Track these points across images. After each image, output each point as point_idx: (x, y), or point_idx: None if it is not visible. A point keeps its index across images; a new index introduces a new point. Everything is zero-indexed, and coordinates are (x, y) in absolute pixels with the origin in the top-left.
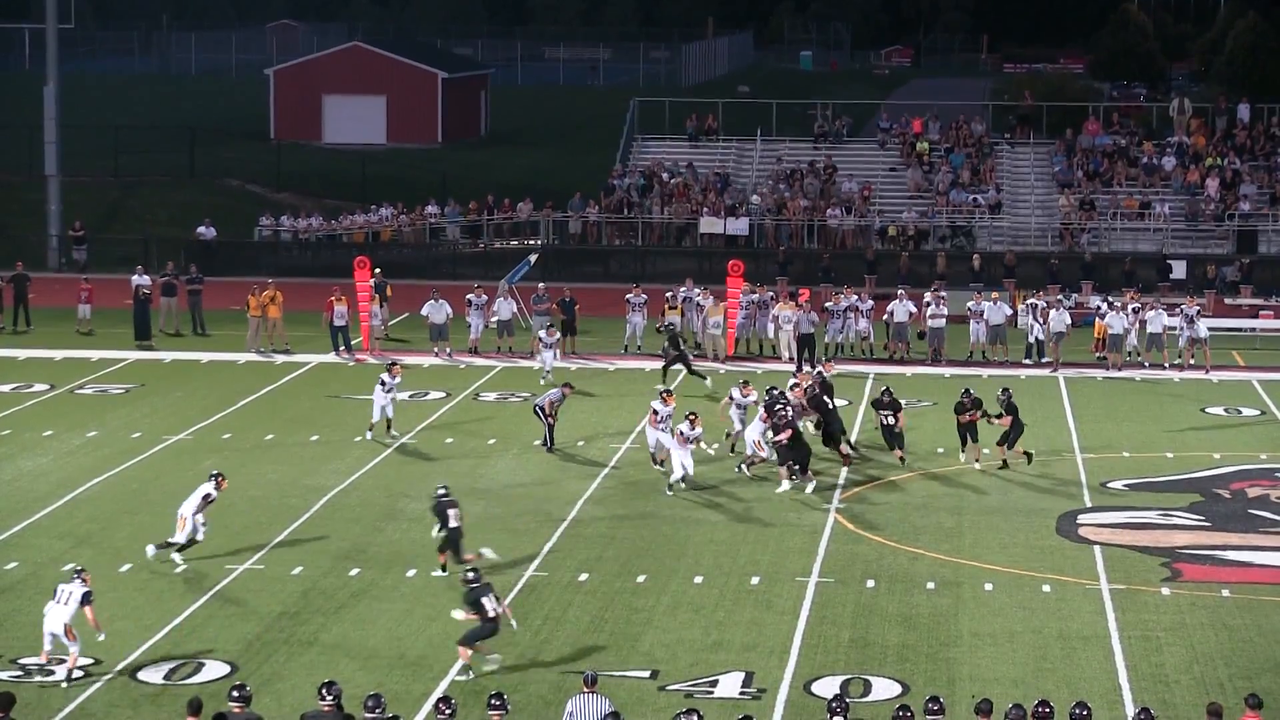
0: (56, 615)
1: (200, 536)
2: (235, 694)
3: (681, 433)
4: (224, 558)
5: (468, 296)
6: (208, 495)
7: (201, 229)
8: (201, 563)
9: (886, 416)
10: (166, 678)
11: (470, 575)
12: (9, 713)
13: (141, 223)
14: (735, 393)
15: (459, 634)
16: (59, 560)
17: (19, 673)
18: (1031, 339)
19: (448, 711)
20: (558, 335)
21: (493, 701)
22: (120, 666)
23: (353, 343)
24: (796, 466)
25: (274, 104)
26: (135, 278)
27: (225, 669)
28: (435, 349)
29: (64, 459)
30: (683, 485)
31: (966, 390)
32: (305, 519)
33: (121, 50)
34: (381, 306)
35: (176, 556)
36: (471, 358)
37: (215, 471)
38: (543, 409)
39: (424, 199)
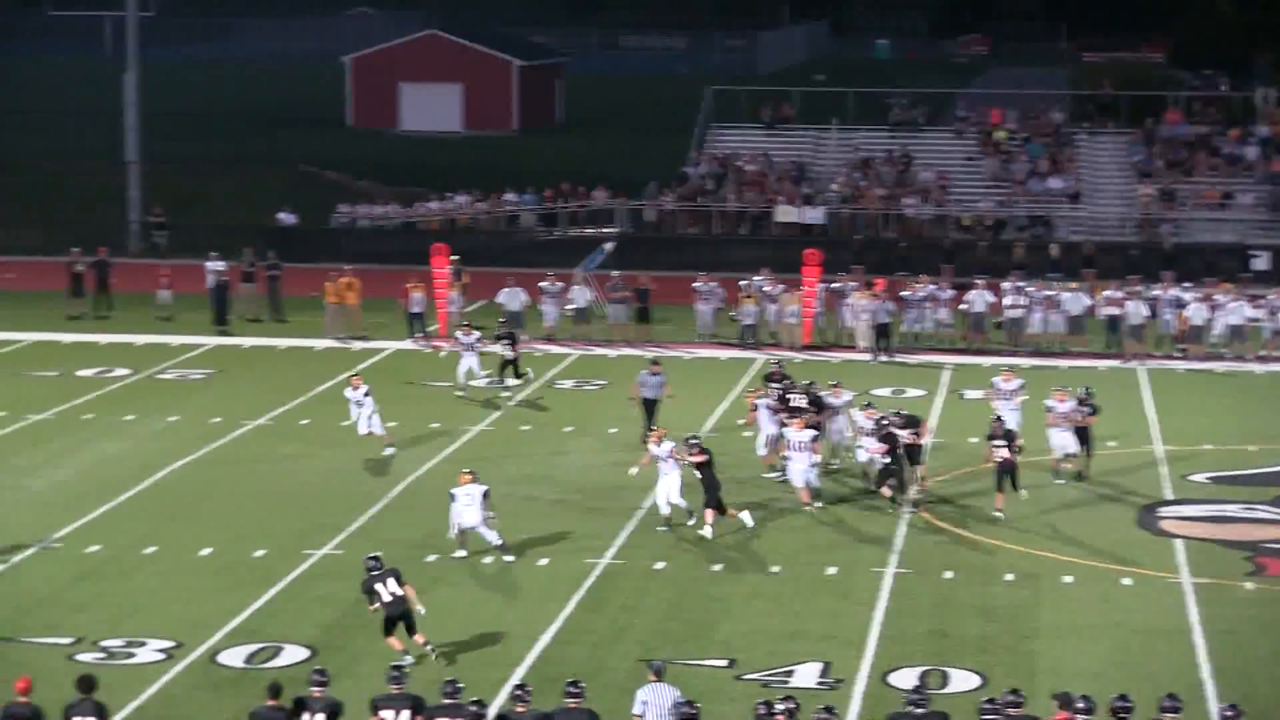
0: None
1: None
2: (315, 678)
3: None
4: (303, 543)
5: (540, 284)
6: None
7: (282, 215)
8: (281, 547)
9: (909, 436)
10: (247, 661)
11: (370, 563)
12: (91, 695)
13: (220, 209)
14: (829, 397)
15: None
16: (140, 544)
17: (102, 655)
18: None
19: (524, 697)
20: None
21: (569, 689)
22: (201, 650)
23: (430, 329)
24: (895, 484)
25: (351, 91)
26: (210, 264)
27: (305, 653)
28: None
29: (145, 443)
30: (817, 508)
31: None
32: (382, 505)
33: (201, 37)
34: (459, 294)
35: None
36: (547, 345)
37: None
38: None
39: (500, 186)
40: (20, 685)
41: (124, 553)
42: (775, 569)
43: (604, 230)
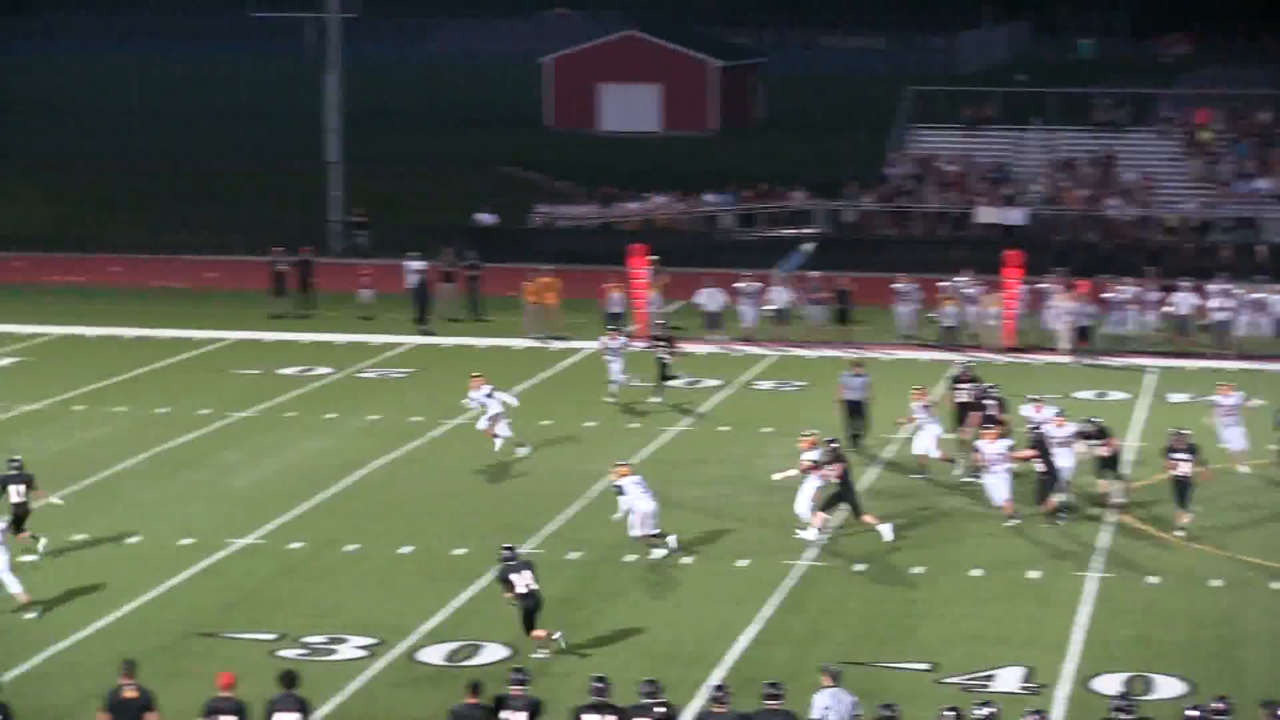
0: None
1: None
2: (514, 676)
3: (981, 448)
4: (503, 541)
5: (736, 285)
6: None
7: (481, 215)
8: (481, 545)
9: (1096, 449)
10: (446, 659)
11: (505, 553)
12: (293, 690)
13: (420, 209)
14: (1028, 409)
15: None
16: (341, 541)
17: (304, 651)
18: None
19: (723, 699)
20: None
21: (769, 690)
22: (401, 647)
23: (628, 330)
24: (1058, 497)
25: (550, 92)
26: (410, 263)
27: (504, 652)
28: (709, 337)
29: (346, 441)
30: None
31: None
32: (582, 505)
33: (402, 38)
34: (658, 294)
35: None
36: (746, 346)
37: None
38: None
39: (698, 187)
40: (224, 680)
41: (325, 550)
42: (976, 572)
43: (803, 231)
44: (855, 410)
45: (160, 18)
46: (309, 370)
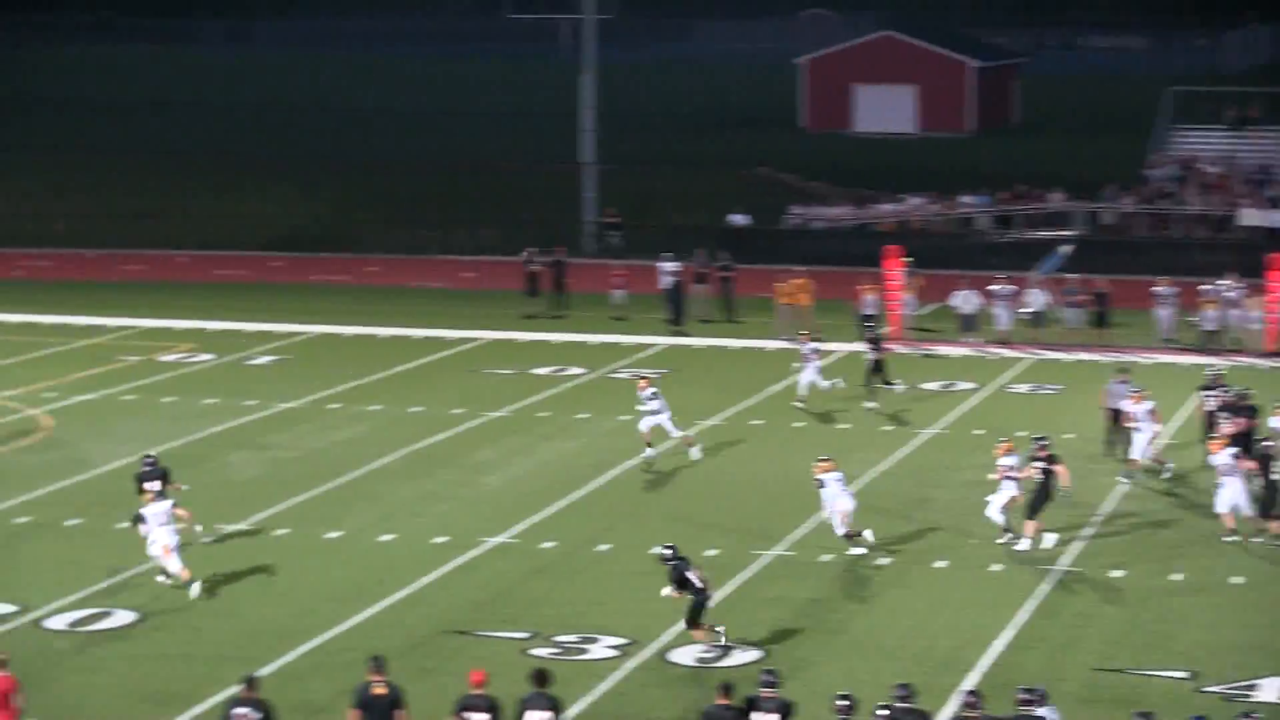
0: None
1: None
2: (766, 678)
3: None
4: (754, 543)
5: (992, 287)
6: None
7: (735, 216)
8: (732, 547)
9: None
10: (698, 660)
11: (667, 553)
12: (545, 689)
13: (674, 210)
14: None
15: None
16: (593, 541)
17: (556, 650)
18: None
19: (975, 704)
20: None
21: (1021, 695)
22: (653, 647)
23: (881, 332)
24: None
25: (804, 93)
26: (663, 264)
27: (755, 654)
28: (964, 340)
29: (598, 441)
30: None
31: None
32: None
33: (657, 38)
34: (913, 296)
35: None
36: (1001, 349)
37: None
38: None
39: (953, 188)
40: (476, 678)
41: (577, 549)
42: (1237, 580)
43: (1060, 233)
44: (1118, 418)
45: (420, 20)
46: (562, 370)
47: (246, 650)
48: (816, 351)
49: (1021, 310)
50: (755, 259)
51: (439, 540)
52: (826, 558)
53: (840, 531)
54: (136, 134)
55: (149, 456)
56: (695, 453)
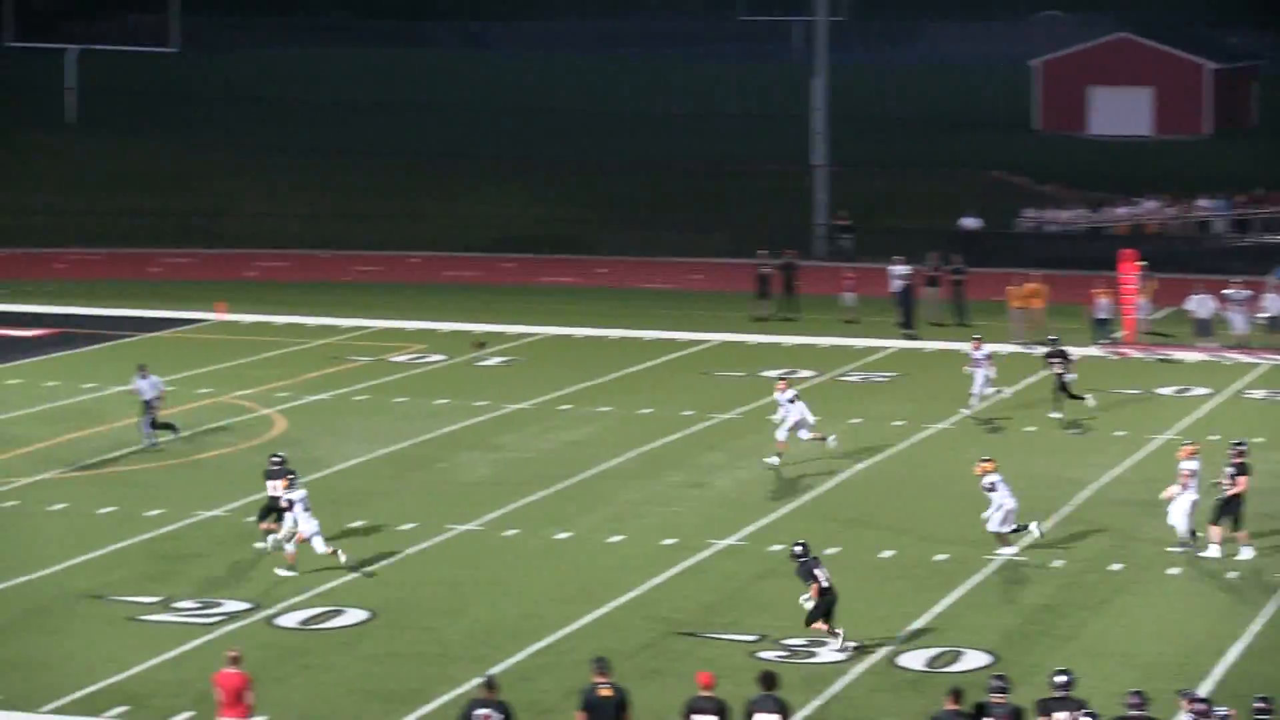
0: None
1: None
2: (996, 684)
3: None
4: (985, 547)
5: (1227, 291)
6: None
7: (967, 219)
8: (963, 551)
9: None
10: (927, 665)
11: (798, 550)
12: (774, 691)
13: (905, 212)
14: None
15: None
16: (823, 544)
17: (784, 654)
18: None
19: (1141, 704)
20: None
21: (1259, 705)
22: (882, 652)
23: (1115, 335)
24: None
25: (1038, 95)
26: (894, 267)
27: (985, 659)
28: (1199, 345)
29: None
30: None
31: None
32: (1066, 511)
33: (889, 40)
34: (1148, 300)
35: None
36: (1237, 354)
37: None
38: None
39: (1190, 191)
40: (704, 679)
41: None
42: None
43: None
44: None
45: (651, 22)
46: (791, 373)
47: (476, 650)
48: (988, 357)
49: (1258, 315)
50: (987, 262)
51: (667, 542)
52: (1059, 563)
53: (996, 529)
54: (369, 136)
55: (276, 456)
56: (832, 442)
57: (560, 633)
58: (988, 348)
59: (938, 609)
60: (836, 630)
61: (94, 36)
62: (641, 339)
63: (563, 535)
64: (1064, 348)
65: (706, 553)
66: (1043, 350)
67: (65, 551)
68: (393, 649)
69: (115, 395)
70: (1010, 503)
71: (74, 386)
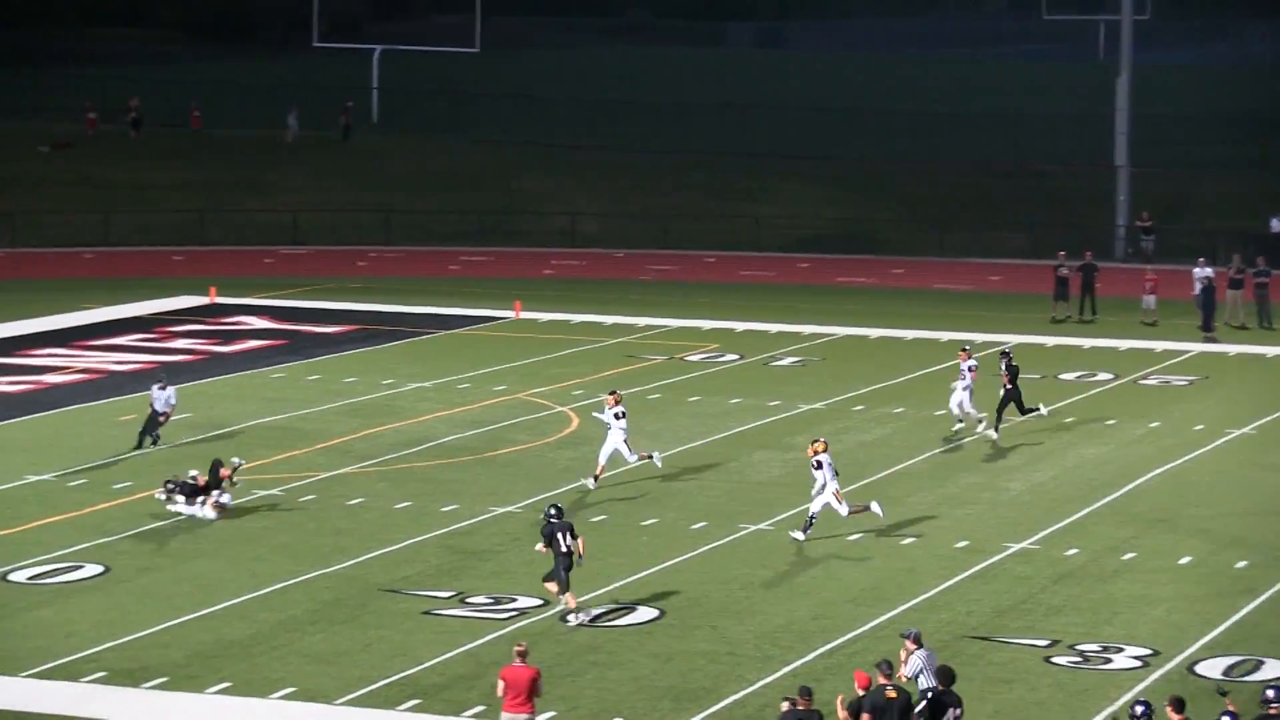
0: None
1: None
2: (1271, 695)
3: None
4: None
5: None
6: None
7: (1274, 221)
8: (1265, 558)
9: None
10: (1225, 673)
11: (552, 512)
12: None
13: (1209, 214)
14: None
15: None
16: (1119, 549)
17: (1078, 659)
18: None
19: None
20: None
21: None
22: (1178, 659)
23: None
24: None
25: None
26: (1197, 269)
27: None
28: None
29: (1126, 448)
30: None
31: None
32: None
33: (1191, 39)
34: None
35: None
36: None
37: None
38: None
39: None
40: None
41: (1102, 557)
42: None
43: None
44: None
45: (953, 21)
46: (1090, 376)
47: (765, 649)
48: (972, 370)
49: None
50: None
51: (960, 545)
52: None
53: (843, 511)
54: (664, 135)
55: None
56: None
57: (849, 634)
58: (972, 360)
59: (1237, 616)
60: (565, 595)
61: (397, 37)
62: (938, 340)
63: (854, 537)
64: (1014, 364)
65: (999, 556)
66: None
67: (363, 545)
68: (682, 647)
69: (413, 391)
70: (833, 484)
71: (373, 382)
